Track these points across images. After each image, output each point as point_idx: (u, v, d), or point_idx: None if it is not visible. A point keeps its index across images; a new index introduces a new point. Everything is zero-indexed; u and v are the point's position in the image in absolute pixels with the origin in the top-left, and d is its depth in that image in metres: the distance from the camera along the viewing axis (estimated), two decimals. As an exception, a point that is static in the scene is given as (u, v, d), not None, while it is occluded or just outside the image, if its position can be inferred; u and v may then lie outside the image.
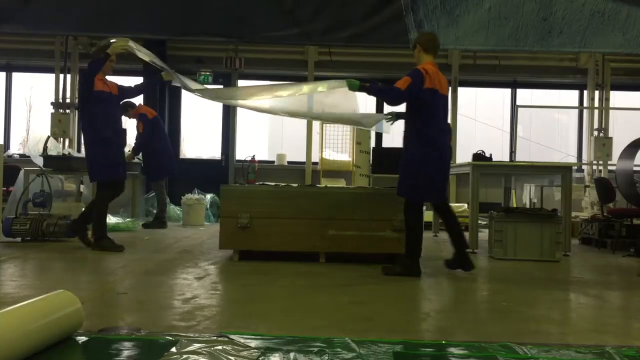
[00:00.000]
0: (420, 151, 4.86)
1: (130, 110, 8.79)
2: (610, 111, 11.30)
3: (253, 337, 2.73)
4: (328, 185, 7.16)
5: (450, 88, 11.40)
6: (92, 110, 5.88)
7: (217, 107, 11.63)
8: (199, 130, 12.44)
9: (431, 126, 4.88)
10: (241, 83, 11.73)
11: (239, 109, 11.63)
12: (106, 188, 6.09)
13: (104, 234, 6.02)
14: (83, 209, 6.53)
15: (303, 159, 11.46)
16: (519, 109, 10.90)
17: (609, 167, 10.78)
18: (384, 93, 5.01)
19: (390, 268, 4.94)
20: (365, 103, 12.01)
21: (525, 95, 12.08)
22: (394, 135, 11.94)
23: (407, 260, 4.90)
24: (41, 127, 11.81)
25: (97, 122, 5.90)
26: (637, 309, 3.93)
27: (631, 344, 2.85)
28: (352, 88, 5.00)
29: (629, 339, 2.98)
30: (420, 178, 4.86)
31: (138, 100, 10.09)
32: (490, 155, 7.21)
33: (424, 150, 4.85)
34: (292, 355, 2.47)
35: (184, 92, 11.68)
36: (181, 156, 11.58)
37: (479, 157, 7.07)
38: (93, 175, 6.08)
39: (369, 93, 5.09)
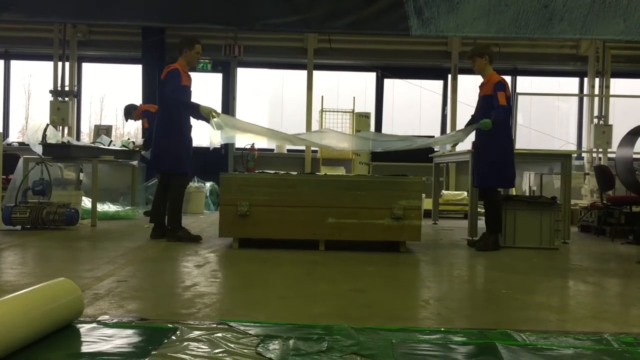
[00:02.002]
0: (505, 147, 5.83)
1: (134, 111, 9.01)
2: (611, 99, 11.28)
3: (253, 324, 2.74)
4: (327, 173, 7.16)
5: (450, 75, 11.43)
6: (180, 107, 5.93)
7: (215, 96, 11.60)
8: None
9: (509, 128, 5.94)
10: (240, 71, 11.69)
11: (238, 99, 11.62)
12: (182, 180, 6.13)
13: (179, 224, 6.00)
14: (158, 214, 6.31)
15: (302, 147, 11.43)
16: (519, 96, 10.88)
17: (609, 155, 10.78)
18: (503, 118, 5.69)
19: (481, 245, 5.81)
20: (365, 91, 12.00)
21: (525, 83, 12.05)
22: (393, 125, 11.96)
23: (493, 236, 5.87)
24: (40, 115, 11.79)
25: (182, 117, 5.99)
26: (636, 296, 3.94)
27: (629, 331, 2.86)
28: (487, 127, 5.66)
29: (627, 326, 2.99)
30: (506, 169, 5.85)
31: (137, 100, 10.20)
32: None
33: (508, 146, 5.89)
34: (291, 342, 2.48)
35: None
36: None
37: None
38: (167, 167, 6.09)
39: (496, 123, 5.68)
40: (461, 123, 11.13)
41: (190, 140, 6.20)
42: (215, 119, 5.77)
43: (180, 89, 5.89)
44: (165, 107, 6.03)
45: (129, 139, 9.60)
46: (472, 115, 6.20)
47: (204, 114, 5.86)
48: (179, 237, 5.88)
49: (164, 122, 6.04)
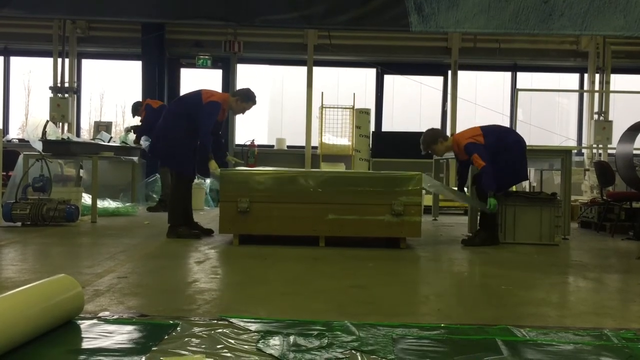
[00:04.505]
0: (510, 159, 5.92)
1: (140, 107, 9.20)
2: (611, 94, 11.26)
3: (253, 320, 2.74)
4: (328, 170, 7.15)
5: (450, 72, 11.41)
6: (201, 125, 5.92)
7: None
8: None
9: (511, 138, 6.09)
10: (240, 67, 11.68)
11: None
12: (185, 181, 6.14)
13: (180, 222, 5.99)
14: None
15: (303, 143, 11.44)
16: (519, 92, 10.86)
17: (609, 151, 10.78)
18: (491, 183, 5.65)
19: (469, 240, 5.87)
20: (365, 87, 11.99)
21: (525, 79, 12.04)
22: (393, 121, 11.95)
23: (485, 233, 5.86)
24: (40, 111, 11.79)
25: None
26: (636, 292, 3.94)
27: (629, 326, 2.86)
28: (495, 207, 5.62)
29: (627, 322, 3.00)
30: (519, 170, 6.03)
31: (138, 97, 10.22)
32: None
33: (513, 155, 5.98)
34: (291, 338, 2.48)
35: (182, 78, 11.67)
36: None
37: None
38: (179, 168, 6.11)
39: (493, 196, 5.66)
40: (461, 120, 11.15)
41: (197, 147, 6.21)
42: (217, 174, 5.82)
43: (211, 125, 5.95)
44: (186, 116, 5.94)
45: (129, 128, 9.63)
46: (460, 174, 6.28)
47: (209, 169, 5.92)
48: (178, 234, 5.88)
49: (181, 124, 5.95)
